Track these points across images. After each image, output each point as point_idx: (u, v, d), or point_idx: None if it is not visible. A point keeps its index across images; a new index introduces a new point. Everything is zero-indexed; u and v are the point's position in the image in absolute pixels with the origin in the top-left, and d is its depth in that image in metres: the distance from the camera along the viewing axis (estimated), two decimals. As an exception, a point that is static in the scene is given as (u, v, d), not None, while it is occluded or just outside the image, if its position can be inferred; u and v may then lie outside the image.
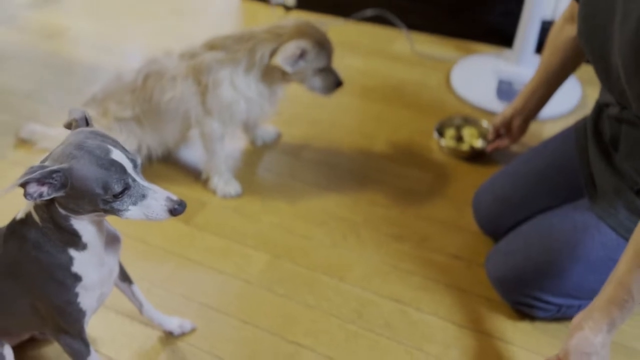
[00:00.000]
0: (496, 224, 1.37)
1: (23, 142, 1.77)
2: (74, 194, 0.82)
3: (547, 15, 2.13)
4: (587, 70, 2.13)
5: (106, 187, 0.81)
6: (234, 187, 1.62)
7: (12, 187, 0.79)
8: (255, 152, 1.80)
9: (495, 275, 1.25)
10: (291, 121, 1.91)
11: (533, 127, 1.86)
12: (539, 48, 2.06)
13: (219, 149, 1.60)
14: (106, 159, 0.81)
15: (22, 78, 2.14)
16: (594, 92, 2.02)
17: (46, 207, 0.86)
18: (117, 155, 0.83)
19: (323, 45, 1.48)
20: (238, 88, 1.50)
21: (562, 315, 1.23)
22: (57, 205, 0.85)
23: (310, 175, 1.70)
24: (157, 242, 1.47)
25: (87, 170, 0.80)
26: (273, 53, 1.45)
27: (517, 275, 1.19)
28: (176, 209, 0.85)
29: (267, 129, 1.82)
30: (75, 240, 0.90)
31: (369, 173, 1.71)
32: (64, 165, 0.80)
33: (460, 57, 2.17)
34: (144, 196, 0.85)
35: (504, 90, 1.90)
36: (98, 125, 1.57)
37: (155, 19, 1.75)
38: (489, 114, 1.89)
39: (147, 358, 1.20)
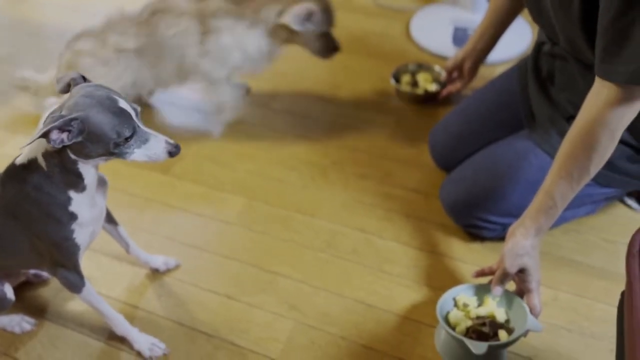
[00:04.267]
0: (450, 158, 1.50)
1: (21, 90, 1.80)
2: (89, 139, 0.92)
3: (500, -37, 2.22)
4: (538, 16, 2.24)
5: (118, 132, 0.92)
6: None
7: (37, 135, 0.89)
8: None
9: (448, 201, 1.39)
10: (260, 74, 2.00)
11: (485, 71, 1.98)
12: (492, -5, 2.16)
13: (223, 84, 1.70)
14: (116, 107, 0.93)
15: (-6, 43, 2.18)
16: (545, 36, 2.14)
17: (57, 153, 0.96)
18: (123, 104, 0.94)
19: (328, 10, 1.62)
20: (238, 39, 1.61)
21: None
22: (68, 151, 0.96)
23: (280, 124, 1.81)
24: (139, 192, 1.57)
25: (101, 117, 0.91)
26: (281, 13, 1.57)
27: (467, 199, 1.33)
28: (174, 151, 0.97)
29: (237, 83, 1.90)
30: (78, 182, 1.01)
31: (336, 120, 1.82)
32: (81, 114, 0.90)
33: (419, 7, 2.26)
34: (147, 140, 0.96)
35: (459, 36, 2.01)
36: (95, 58, 1.64)
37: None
38: (447, 60, 2.00)
39: (137, 293, 1.32)
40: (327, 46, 1.68)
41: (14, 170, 1.03)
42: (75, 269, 1.11)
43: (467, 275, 1.34)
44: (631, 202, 1.48)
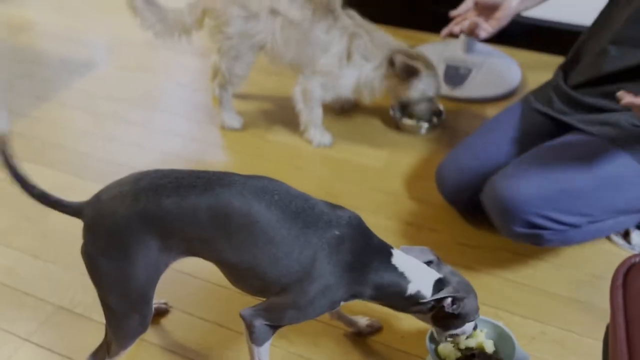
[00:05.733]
0: (458, 191, 1.51)
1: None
2: (453, 314, 1.04)
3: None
4: (526, 55, 2.33)
5: (472, 316, 1.07)
6: (327, 137, 1.87)
7: (441, 295, 1.02)
8: (225, 135, 1.92)
9: (510, 197, 1.28)
10: (256, 107, 2.05)
11: (475, 108, 2.04)
12: (484, 37, 2.23)
13: (316, 105, 1.82)
14: (477, 298, 1.08)
15: (-6, 70, 2.22)
16: (533, 76, 2.21)
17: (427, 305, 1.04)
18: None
19: (436, 77, 1.83)
20: (362, 75, 1.76)
21: (565, 240, 1.36)
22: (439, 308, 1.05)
23: (274, 155, 1.84)
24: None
25: (471, 306, 1.06)
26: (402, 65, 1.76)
27: (535, 194, 1.26)
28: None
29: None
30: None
31: (329, 152, 1.85)
32: (464, 296, 1.04)
33: (412, 47, 2.33)
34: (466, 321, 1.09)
35: (451, 74, 2.07)
36: (244, 9, 1.71)
37: (121, 11, 1.86)
38: (438, 97, 2.06)
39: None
40: (429, 109, 1.87)
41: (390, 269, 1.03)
42: (276, 328, 1.07)
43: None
44: (617, 239, 1.51)
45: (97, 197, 1.01)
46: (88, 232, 0.99)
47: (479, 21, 1.50)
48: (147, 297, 1.03)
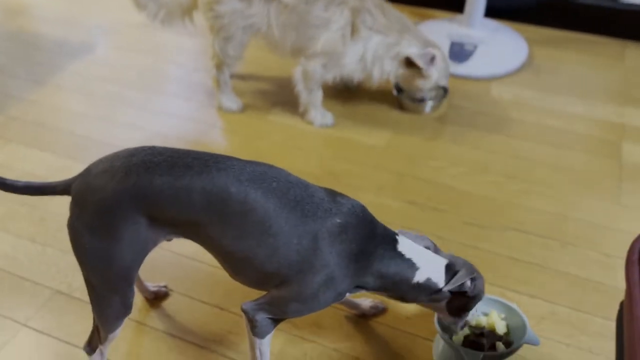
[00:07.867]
0: None
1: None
2: (467, 297, 1.02)
3: (496, -20, 2.24)
4: (534, 31, 2.27)
5: (482, 294, 1.05)
6: (329, 118, 1.83)
7: (461, 281, 0.99)
8: (225, 116, 1.89)
9: None
10: (257, 87, 2.00)
11: (479, 86, 1.99)
12: (488, 12, 2.18)
13: (316, 87, 1.78)
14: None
15: (-11, 53, 2.18)
16: (541, 52, 2.15)
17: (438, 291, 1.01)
18: None
19: (447, 65, 1.78)
20: (371, 52, 1.70)
21: None
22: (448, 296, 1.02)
23: (277, 136, 1.80)
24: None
25: (482, 285, 1.04)
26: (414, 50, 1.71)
27: None
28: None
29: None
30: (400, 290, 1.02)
31: (331, 132, 1.81)
32: (479, 275, 1.03)
33: (417, 23, 2.28)
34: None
35: (456, 51, 2.01)
36: None
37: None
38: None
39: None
40: (437, 96, 1.84)
41: (394, 254, 0.98)
42: (278, 321, 1.02)
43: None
44: (628, 216, 1.47)
45: (87, 171, 0.97)
46: (75, 205, 0.95)
47: None
48: (130, 277, 0.99)
